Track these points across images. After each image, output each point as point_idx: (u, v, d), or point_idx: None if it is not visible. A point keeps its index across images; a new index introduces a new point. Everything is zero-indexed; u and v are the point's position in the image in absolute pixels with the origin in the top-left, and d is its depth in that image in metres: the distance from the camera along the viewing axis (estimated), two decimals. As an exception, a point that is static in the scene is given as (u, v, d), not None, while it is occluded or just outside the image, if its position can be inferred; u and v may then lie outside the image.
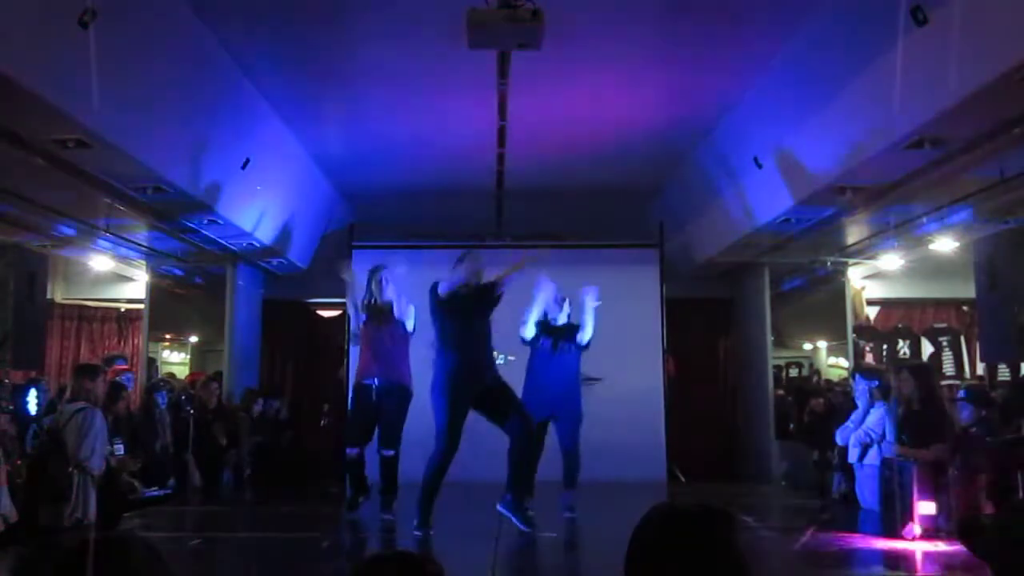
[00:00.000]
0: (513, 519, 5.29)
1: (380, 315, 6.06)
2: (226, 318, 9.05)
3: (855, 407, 6.65)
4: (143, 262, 9.09)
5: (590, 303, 6.12)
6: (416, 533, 5.25)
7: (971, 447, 5.50)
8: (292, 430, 8.93)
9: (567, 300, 6.25)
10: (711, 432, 9.86)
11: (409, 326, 6.11)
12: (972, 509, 5.02)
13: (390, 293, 6.07)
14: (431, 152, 7.43)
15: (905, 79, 4.22)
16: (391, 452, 5.95)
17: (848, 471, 6.74)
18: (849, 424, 6.60)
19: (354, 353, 7.11)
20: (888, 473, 5.52)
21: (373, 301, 6.12)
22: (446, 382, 5.32)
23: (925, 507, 5.16)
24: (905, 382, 5.89)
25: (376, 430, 6.05)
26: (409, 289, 6.15)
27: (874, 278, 10.22)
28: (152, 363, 9.84)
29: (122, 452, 6.41)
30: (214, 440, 7.92)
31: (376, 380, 5.97)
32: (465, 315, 5.36)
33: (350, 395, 6.19)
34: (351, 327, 6.37)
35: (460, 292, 5.40)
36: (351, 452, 6.10)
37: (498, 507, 5.38)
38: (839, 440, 6.69)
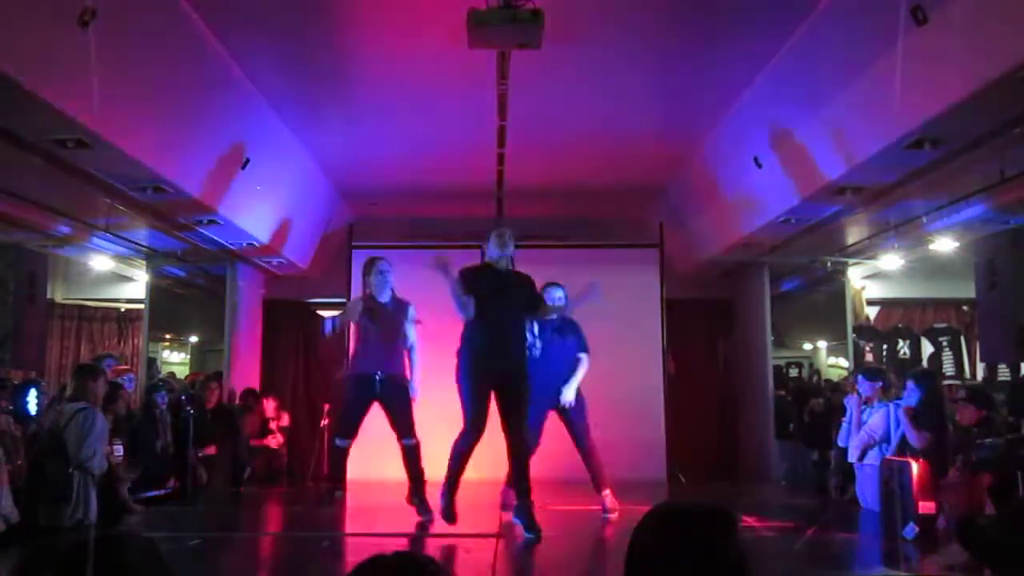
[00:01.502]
0: (522, 525, 5.26)
1: (382, 308, 6.03)
2: (226, 318, 9.05)
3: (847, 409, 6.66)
4: (143, 262, 9.10)
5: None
6: (447, 522, 5.26)
7: (973, 447, 5.50)
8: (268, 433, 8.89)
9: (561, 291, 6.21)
10: (711, 432, 9.86)
11: (411, 334, 6.06)
12: (974, 509, 5.01)
13: (390, 289, 6.05)
14: (431, 152, 7.43)
15: (905, 79, 4.22)
16: (412, 440, 5.93)
17: (847, 472, 6.74)
18: (844, 425, 6.60)
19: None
20: (888, 473, 5.52)
21: (371, 293, 6.08)
22: (464, 361, 5.28)
23: (925, 507, 5.16)
24: (910, 391, 5.92)
25: (392, 421, 5.99)
26: (410, 289, 6.15)
27: (874, 278, 10.22)
28: (152, 363, 9.84)
29: (121, 453, 6.40)
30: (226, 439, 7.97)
31: (380, 372, 5.90)
32: (486, 294, 5.24)
33: (350, 385, 6.04)
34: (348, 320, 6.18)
35: (489, 266, 5.37)
36: (343, 443, 5.97)
37: (513, 519, 5.36)
38: (840, 442, 6.69)
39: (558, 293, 6.14)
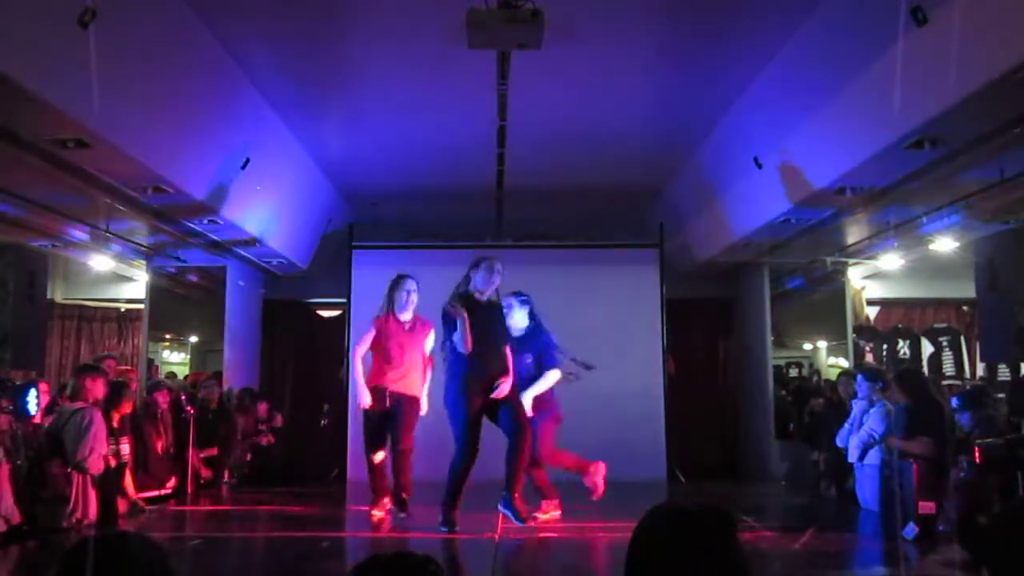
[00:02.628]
0: (509, 515, 5.34)
1: (403, 327, 6.06)
2: (226, 318, 9.04)
3: (849, 408, 6.64)
4: (143, 262, 9.09)
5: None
6: (442, 529, 5.30)
7: (974, 449, 5.47)
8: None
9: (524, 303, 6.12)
10: (711, 432, 9.86)
11: (428, 347, 6.11)
12: (980, 511, 5.00)
13: (412, 307, 6.07)
14: (431, 152, 7.43)
15: (905, 79, 4.22)
16: (403, 447, 5.99)
17: (845, 472, 6.74)
18: (846, 426, 6.59)
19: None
20: (888, 473, 5.51)
21: (393, 310, 6.08)
22: (458, 387, 5.34)
23: (925, 507, 5.15)
24: (894, 392, 5.91)
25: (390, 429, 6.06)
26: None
27: (874, 278, 10.22)
28: (151, 363, 9.83)
29: (127, 452, 6.40)
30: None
31: (391, 388, 5.96)
32: (477, 320, 5.34)
33: (369, 398, 5.99)
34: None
35: (474, 297, 5.43)
36: (376, 457, 6.03)
37: (499, 507, 5.40)
38: (839, 442, 6.68)
39: (515, 303, 6.01)
